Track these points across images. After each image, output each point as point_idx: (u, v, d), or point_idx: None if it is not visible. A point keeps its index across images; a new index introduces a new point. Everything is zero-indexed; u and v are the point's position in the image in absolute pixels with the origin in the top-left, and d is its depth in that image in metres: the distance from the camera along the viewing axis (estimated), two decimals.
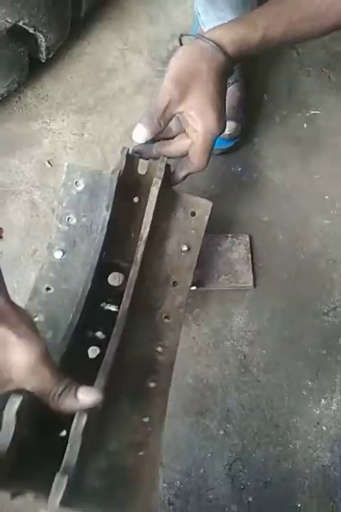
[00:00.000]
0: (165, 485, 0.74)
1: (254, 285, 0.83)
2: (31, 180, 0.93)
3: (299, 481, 0.73)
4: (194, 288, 0.79)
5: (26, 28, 0.91)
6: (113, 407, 0.53)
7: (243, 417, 0.76)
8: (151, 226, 0.64)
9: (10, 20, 0.88)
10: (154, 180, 0.65)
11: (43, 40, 0.95)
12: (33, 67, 0.99)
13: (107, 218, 0.63)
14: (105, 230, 0.63)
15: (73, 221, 0.66)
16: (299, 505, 0.71)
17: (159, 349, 0.60)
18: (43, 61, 0.99)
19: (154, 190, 0.65)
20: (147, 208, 0.65)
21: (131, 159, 0.67)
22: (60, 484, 0.39)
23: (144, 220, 0.64)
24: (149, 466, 0.50)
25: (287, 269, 0.85)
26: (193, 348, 0.80)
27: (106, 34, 1.05)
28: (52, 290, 0.61)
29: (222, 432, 0.76)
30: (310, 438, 0.75)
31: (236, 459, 0.74)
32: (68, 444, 0.42)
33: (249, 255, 0.83)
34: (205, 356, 0.80)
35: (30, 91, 1.00)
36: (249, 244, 0.84)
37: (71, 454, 0.41)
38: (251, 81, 0.99)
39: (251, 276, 0.82)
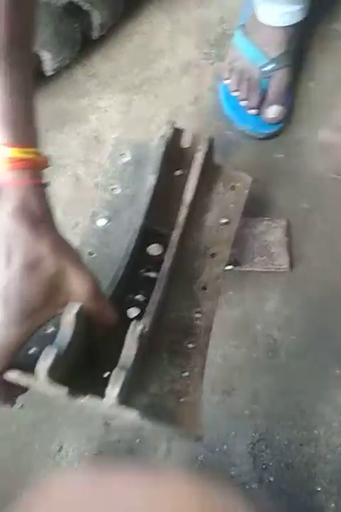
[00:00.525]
0: (188, 458, 0.76)
1: (290, 268, 0.83)
2: (77, 156, 0.96)
3: (320, 466, 0.74)
4: (230, 267, 0.81)
5: (82, 4, 0.94)
6: (153, 360, 0.56)
7: (269, 400, 0.78)
8: (193, 196, 0.66)
9: None
10: (199, 147, 0.68)
11: (98, 17, 0.97)
12: (85, 45, 1.02)
13: (153, 183, 0.66)
14: (150, 194, 0.65)
15: (117, 191, 0.69)
16: (319, 489, 0.72)
17: (197, 315, 0.63)
18: (95, 38, 1.02)
19: (198, 157, 0.67)
20: (191, 174, 0.67)
21: (177, 132, 0.70)
22: (117, 378, 0.41)
23: (187, 186, 0.66)
24: (190, 412, 0.52)
25: (323, 257, 0.85)
26: (223, 329, 0.82)
27: (157, 15, 1.06)
28: (94, 255, 0.65)
29: (247, 412, 0.77)
30: (334, 425, 0.75)
31: (259, 439, 0.76)
32: (124, 349, 0.45)
33: (286, 238, 0.83)
34: (235, 338, 0.81)
35: (80, 68, 1.03)
36: (286, 228, 0.84)
37: (126, 357, 0.44)
38: (298, 69, 0.99)
39: (288, 259, 0.82)
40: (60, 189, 0.93)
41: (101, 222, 0.67)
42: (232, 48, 0.98)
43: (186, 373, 0.57)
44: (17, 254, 0.42)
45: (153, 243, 0.67)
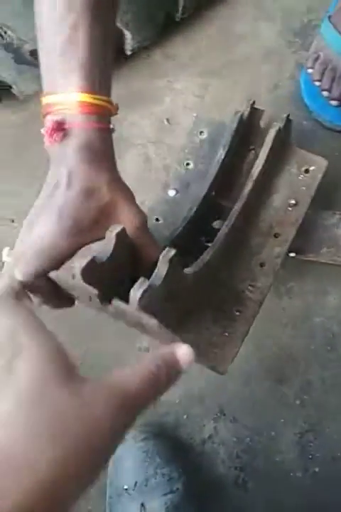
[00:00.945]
0: (235, 439, 0.93)
1: None
2: (148, 136, 1.17)
3: None
4: (293, 255, 0.97)
5: None
6: (196, 316, 0.73)
7: (322, 392, 0.93)
8: (263, 176, 0.82)
9: None
10: (273, 124, 0.84)
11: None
12: (166, 26, 1.22)
13: (222, 156, 0.83)
14: (218, 166, 0.83)
15: (191, 166, 0.88)
16: None
17: (250, 288, 0.79)
18: (177, 20, 1.22)
19: (271, 132, 0.82)
20: (262, 148, 0.82)
21: (255, 111, 0.88)
22: (142, 284, 0.51)
23: (257, 161, 0.82)
24: (218, 356, 0.69)
25: None
26: (282, 319, 0.99)
27: (242, 0, 1.26)
28: (160, 221, 0.84)
29: (298, 402, 0.94)
30: None
31: (308, 429, 0.92)
32: (155, 270, 0.55)
33: None
34: (293, 328, 0.98)
35: (158, 49, 1.24)
36: None
37: (156, 275, 0.54)
38: None
39: None
40: (129, 166, 1.14)
41: (172, 192, 0.88)
42: (318, 38, 1.15)
43: (226, 334, 0.73)
44: (77, 181, 0.56)
45: (219, 218, 0.85)
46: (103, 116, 0.59)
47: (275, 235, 0.83)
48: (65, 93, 0.56)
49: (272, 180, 0.86)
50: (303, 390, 0.94)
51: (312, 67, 1.14)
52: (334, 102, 1.11)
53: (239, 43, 1.23)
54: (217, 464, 0.92)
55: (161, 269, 0.54)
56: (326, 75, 1.12)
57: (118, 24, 1.14)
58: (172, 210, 0.86)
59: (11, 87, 1.15)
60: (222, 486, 0.91)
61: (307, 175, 0.87)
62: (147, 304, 0.52)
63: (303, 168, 0.88)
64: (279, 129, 0.83)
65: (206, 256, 0.72)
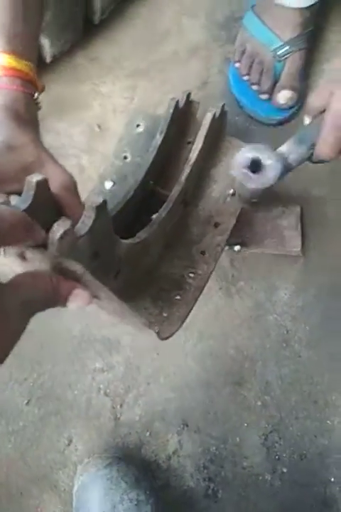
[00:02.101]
0: (200, 450, 0.87)
1: (302, 253, 0.94)
2: (79, 144, 1.08)
3: (334, 457, 0.85)
4: (238, 248, 0.92)
5: None
6: (135, 300, 0.67)
7: (281, 391, 0.89)
8: (201, 163, 0.78)
9: None
10: (209, 108, 0.79)
11: (98, 0, 1.08)
12: (86, 29, 1.13)
13: (159, 142, 0.78)
14: (154, 153, 0.77)
15: (128, 158, 0.82)
16: (332, 479, 0.84)
17: (190, 274, 0.74)
18: (96, 22, 1.13)
19: (208, 116, 0.78)
20: (198, 133, 0.78)
21: (191, 101, 0.83)
22: (63, 223, 0.42)
23: (194, 146, 0.78)
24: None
25: (336, 246, 0.96)
26: (235, 320, 0.93)
27: None
28: None
29: (259, 404, 0.89)
30: None
31: (272, 430, 0.87)
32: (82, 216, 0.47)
33: (299, 224, 0.94)
34: (247, 329, 0.93)
35: (80, 52, 1.15)
36: (299, 214, 0.95)
37: (83, 224, 0.46)
38: (312, 50, 1.10)
39: (300, 243, 0.93)
40: None
41: (108, 185, 0.81)
42: (243, 30, 1.09)
43: (165, 314, 0.67)
44: (1, 135, 0.52)
45: (156, 206, 0.79)
46: (27, 81, 0.57)
47: (215, 225, 0.79)
48: None
49: (210, 171, 0.83)
50: (263, 391, 0.89)
51: (239, 61, 1.08)
52: (264, 96, 1.06)
53: (164, 40, 1.15)
54: (186, 478, 0.86)
55: (88, 216, 0.46)
56: (253, 68, 1.06)
57: None
58: (109, 202, 0.79)
59: None
60: (192, 500, 0.85)
61: None
62: (70, 250, 0.43)
63: None
64: (214, 115, 0.79)
65: (142, 234, 0.67)
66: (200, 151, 0.78)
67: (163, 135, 0.79)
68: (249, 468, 0.85)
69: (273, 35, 1.04)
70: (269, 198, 0.97)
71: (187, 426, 0.88)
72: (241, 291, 0.95)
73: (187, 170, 0.76)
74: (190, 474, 0.86)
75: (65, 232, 0.42)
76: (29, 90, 0.57)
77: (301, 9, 1.01)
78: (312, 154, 0.68)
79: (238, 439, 0.87)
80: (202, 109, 0.84)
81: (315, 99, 0.67)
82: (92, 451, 0.89)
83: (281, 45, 1.03)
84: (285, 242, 0.93)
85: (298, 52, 1.05)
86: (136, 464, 0.86)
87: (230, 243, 0.93)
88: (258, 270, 0.95)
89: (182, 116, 0.83)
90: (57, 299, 0.43)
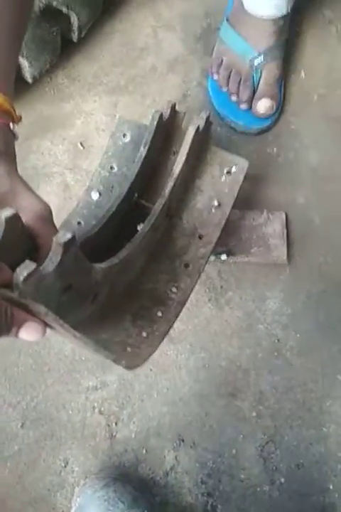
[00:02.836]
0: (197, 465, 0.82)
1: (288, 261, 0.89)
2: (63, 163, 1.02)
3: (331, 465, 0.80)
4: (224, 258, 0.87)
5: (59, 7, 0.99)
6: (114, 318, 0.61)
7: (276, 400, 0.84)
8: (185, 176, 0.73)
9: (43, 1, 0.96)
10: (194, 120, 0.75)
11: (76, 19, 1.03)
12: (65, 47, 1.07)
13: (143, 154, 0.73)
14: (139, 164, 0.72)
15: (115, 169, 0.77)
16: (331, 487, 0.79)
17: (173, 289, 0.69)
18: (75, 41, 1.07)
19: (191, 130, 0.73)
20: (182, 146, 0.73)
21: (176, 112, 0.78)
22: (27, 266, 0.39)
23: (178, 158, 0.73)
24: (130, 356, 0.57)
25: (323, 252, 0.92)
26: (226, 331, 0.88)
27: (139, 12, 1.13)
28: (82, 224, 0.73)
29: (254, 414, 0.84)
30: None
31: (268, 440, 0.82)
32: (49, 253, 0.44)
33: (285, 230, 0.89)
34: (238, 339, 0.88)
35: (61, 71, 1.09)
36: (284, 221, 0.90)
37: (50, 261, 0.43)
38: (288, 58, 1.06)
39: (285, 251, 0.88)
40: (47, 198, 0.96)
41: (95, 195, 0.76)
42: (219, 42, 1.04)
43: (144, 334, 0.62)
44: None
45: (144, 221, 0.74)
46: (2, 112, 0.53)
47: (200, 237, 0.75)
48: None
49: (194, 182, 0.78)
50: (257, 401, 0.84)
51: (217, 73, 1.04)
52: (243, 106, 1.01)
53: (142, 55, 1.10)
54: (184, 494, 0.81)
55: (55, 253, 0.43)
56: (231, 79, 1.02)
57: None
58: (95, 214, 0.74)
59: None
60: None
61: (229, 176, 0.79)
62: (35, 291, 0.41)
63: (225, 170, 0.80)
64: (198, 128, 0.74)
65: (122, 253, 0.62)
66: (184, 165, 0.73)
67: (147, 147, 0.74)
68: (247, 481, 0.80)
69: (248, 46, 1.00)
70: (254, 204, 0.92)
71: (183, 441, 0.83)
72: (231, 302, 0.90)
73: (170, 183, 0.72)
74: (188, 490, 0.81)
75: (29, 274, 0.39)
76: (5, 121, 0.53)
77: (274, 19, 0.97)
78: None
79: (234, 451, 0.82)
80: (187, 119, 0.80)
81: None
82: (89, 472, 0.83)
83: (257, 56, 0.99)
84: (271, 250, 0.88)
85: (274, 61, 1.00)
86: (133, 483, 0.81)
87: (217, 252, 0.88)
88: (246, 280, 0.91)
89: (167, 127, 0.78)
90: (8, 330, 0.40)
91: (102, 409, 0.86)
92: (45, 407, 0.87)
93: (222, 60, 1.03)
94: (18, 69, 1.00)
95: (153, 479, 0.82)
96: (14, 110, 0.56)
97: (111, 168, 0.79)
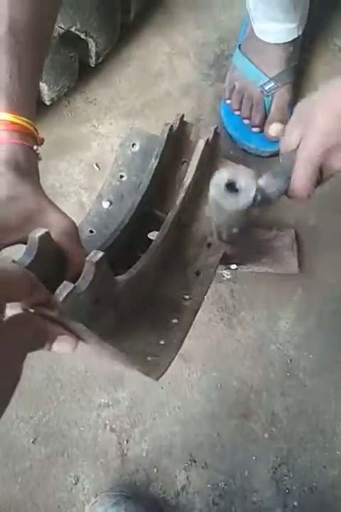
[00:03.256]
0: (209, 485, 0.79)
1: (299, 270, 0.87)
2: (80, 183, 1.00)
3: None
4: (234, 267, 0.84)
5: (78, 33, 0.99)
6: (133, 327, 0.59)
7: (288, 422, 0.81)
8: (195, 186, 0.72)
9: (63, 27, 0.96)
10: (201, 134, 0.75)
11: (94, 45, 1.03)
12: (83, 72, 1.07)
13: (154, 165, 0.72)
14: (150, 176, 0.71)
15: (124, 178, 0.76)
16: None
17: (185, 296, 0.67)
18: (93, 66, 1.07)
19: (200, 143, 0.72)
20: (192, 157, 0.73)
21: (185, 123, 0.77)
22: (65, 287, 0.41)
23: (188, 170, 0.72)
24: (151, 366, 0.55)
25: (334, 273, 0.89)
26: (238, 351, 0.85)
27: (155, 39, 1.12)
28: (94, 232, 0.71)
29: (266, 436, 0.80)
30: None
31: (281, 463, 0.79)
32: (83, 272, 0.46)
33: (294, 244, 0.87)
34: (251, 359, 0.85)
35: (79, 95, 1.08)
36: (294, 237, 0.88)
37: (83, 280, 0.45)
38: (299, 83, 1.05)
39: (296, 263, 0.86)
40: None
41: (106, 204, 0.75)
42: (232, 68, 1.04)
43: (162, 342, 0.60)
44: (3, 189, 0.49)
45: (155, 229, 0.73)
46: (25, 135, 0.54)
47: (209, 245, 0.73)
48: None
49: (204, 192, 0.76)
50: (270, 422, 0.81)
51: (229, 98, 1.03)
52: (255, 129, 1.00)
53: (157, 81, 1.09)
54: None
55: (88, 272, 0.45)
56: (244, 104, 1.01)
57: None
58: (106, 222, 0.73)
59: None
60: None
61: None
62: (72, 309, 0.42)
63: None
64: (207, 140, 0.73)
65: (139, 264, 0.62)
66: (194, 176, 0.73)
67: (158, 159, 0.73)
68: (260, 503, 0.77)
69: (259, 72, 1.00)
70: (264, 224, 0.90)
71: (194, 461, 0.80)
72: (243, 322, 0.87)
73: (181, 195, 0.71)
74: (200, 510, 0.78)
75: (68, 295, 0.40)
76: (28, 143, 0.54)
77: (284, 44, 0.97)
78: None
79: (247, 472, 0.78)
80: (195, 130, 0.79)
81: (286, 139, 0.59)
82: (100, 489, 0.80)
83: (268, 81, 0.99)
84: (282, 260, 0.86)
85: (285, 86, 1.00)
86: (144, 502, 0.78)
87: (227, 262, 0.85)
88: (258, 300, 0.88)
89: (177, 139, 0.77)
90: (44, 343, 0.41)
91: (114, 426, 0.83)
92: (56, 424, 0.84)
93: (234, 86, 1.02)
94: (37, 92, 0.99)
95: (164, 499, 0.79)
96: (37, 132, 0.57)
97: (121, 176, 0.77)
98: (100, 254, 0.45)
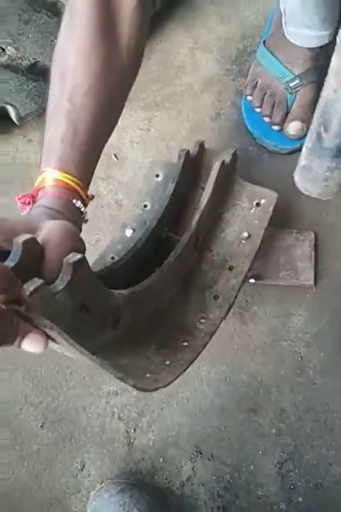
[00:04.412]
0: (214, 478, 0.80)
1: (315, 283, 0.87)
2: (97, 173, 1.01)
3: None
4: (253, 281, 0.85)
5: None
6: (138, 347, 0.60)
7: (296, 418, 0.81)
8: (212, 209, 0.74)
9: None
10: (219, 158, 0.76)
11: None
12: None
13: (171, 190, 0.74)
14: (167, 200, 0.74)
15: (148, 207, 0.78)
16: None
17: (201, 320, 0.68)
18: None
19: (216, 165, 0.74)
20: (208, 180, 0.74)
21: (204, 149, 0.79)
22: (33, 282, 0.41)
23: (204, 192, 0.74)
24: (147, 381, 0.55)
25: None
26: (249, 346, 0.86)
27: (178, 33, 1.14)
28: (115, 259, 0.73)
29: (274, 431, 0.81)
30: None
31: (287, 458, 0.79)
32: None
33: (313, 253, 0.87)
34: (261, 355, 0.85)
35: None
36: (313, 242, 0.88)
37: (60, 280, 0.45)
38: (323, 81, 1.04)
39: (313, 275, 0.86)
40: None
41: (129, 232, 0.77)
42: (255, 64, 1.04)
43: (168, 362, 0.60)
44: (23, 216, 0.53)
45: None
46: (67, 190, 0.57)
47: (230, 268, 0.75)
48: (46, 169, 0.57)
49: (223, 215, 0.79)
50: (278, 418, 0.82)
51: (251, 94, 1.03)
52: (275, 127, 1.00)
53: (179, 74, 1.10)
54: (199, 507, 0.78)
55: (65, 272, 0.45)
56: (266, 101, 1.01)
57: None
58: (128, 248, 0.74)
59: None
60: None
61: (258, 208, 0.80)
62: (44, 306, 0.42)
63: (255, 202, 0.81)
64: (223, 162, 0.75)
65: (146, 281, 0.62)
66: (210, 198, 0.74)
67: (174, 184, 0.76)
68: (264, 498, 0.77)
69: (284, 69, 0.99)
70: (283, 224, 0.90)
71: (200, 453, 0.81)
72: (255, 317, 0.87)
73: (197, 216, 0.72)
74: (204, 502, 0.78)
75: (36, 289, 0.40)
76: (68, 196, 0.57)
77: (313, 48, 0.96)
78: None
79: (252, 467, 0.79)
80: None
81: None
82: (105, 476, 0.82)
83: (292, 78, 0.99)
84: (299, 274, 0.87)
85: (310, 85, 0.99)
86: (149, 491, 0.79)
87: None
88: (271, 296, 0.89)
89: (196, 164, 0.80)
90: (13, 338, 0.41)
91: (122, 415, 0.84)
92: (65, 409, 0.86)
93: (257, 82, 1.02)
94: None
95: (169, 489, 0.80)
96: (85, 191, 0.59)
97: (145, 206, 0.80)
98: (78, 255, 0.45)
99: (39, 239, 0.46)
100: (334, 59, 0.46)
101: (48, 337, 0.43)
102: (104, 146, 0.66)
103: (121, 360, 0.57)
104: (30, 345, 0.42)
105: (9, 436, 0.85)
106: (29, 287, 0.40)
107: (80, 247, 0.50)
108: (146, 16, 0.65)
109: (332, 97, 0.50)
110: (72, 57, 0.60)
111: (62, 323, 0.43)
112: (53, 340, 0.44)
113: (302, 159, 0.58)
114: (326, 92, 0.51)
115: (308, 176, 0.60)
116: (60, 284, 0.44)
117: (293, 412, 0.81)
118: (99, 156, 0.65)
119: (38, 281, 0.41)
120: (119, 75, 0.63)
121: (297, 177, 0.60)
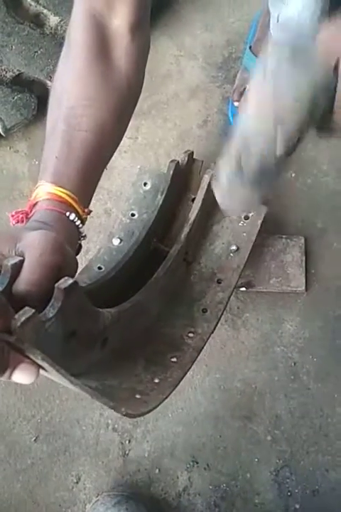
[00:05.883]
0: (211, 487, 0.79)
1: (306, 289, 0.86)
2: None
3: None
4: (243, 289, 0.84)
5: None
6: (125, 364, 0.58)
7: (291, 424, 0.81)
8: (201, 221, 0.73)
9: None
10: (207, 170, 0.75)
11: None
12: None
13: (160, 201, 0.73)
14: (156, 212, 0.72)
15: (135, 216, 0.77)
16: None
17: (190, 334, 0.67)
18: None
19: (206, 178, 0.73)
20: (198, 193, 0.74)
21: (193, 160, 0.78)
22: (25, 312, 0.39)
23: (193, 205, 0.73)
24: (136, 403, 0.53)
25: (340, 276, 0.89)
26: (242, 353, 0.85)
27: (162, 41, 1.13)
28: (103, 269, 0.71)
29: (269, 438, 0.80)
30: None
31: (283, 465, 0.78)
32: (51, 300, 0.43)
33: (303, 258, 0.87)
34: (254, 361, 0.85)
35: None
36: (303, 247, 0.88)
37: (51, 307, 0.43)
38: None
39: (304, 281, 0.86)
40: None
41: (116, 241, 0.76)
42: (242, 70, 1.04)
43: (157, 380, 0.59)
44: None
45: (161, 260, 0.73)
46: (60, 203, 0.55)
47: (219, 281, 0.74)
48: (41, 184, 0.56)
49: (212, 228, 0.79)
50: (273, 425, 0.81)
51: (238, 100, 1.02)
52: None
53: (165, 82, 1.09)
54: None
55: (56, 298, 0.42)
56: None
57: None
58: (115, 259, 0.73)
59: None
60: None
61: (247, 221, 0.80)
62: (35, 337, 0.39)
63: (243, 215, 0.80)
64: (212, 175, 0.74)
65: (135, 298, 0.60)
66: (199, 211, 0.74)
67: (164, 195, 0.75)
68: (261, 506, 0.77)
69: None
70: (272, 230, 0.90)
71: (196, 462, 0.80)
72: (247, 324, 0.87)
73: (186, 229, 0.72)
74: None
75: (27, 319, 0.38)
76: (62, 210, 0.55)
77: None
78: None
79: (249, 475, 0.78)
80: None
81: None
82: (101, 489, 0.80)
83: None
84: (290, 280, 0.86)
85: None
86: (145, 502, 0.78)
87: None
88: (263, 302, 0.88)
89: (185, 175, 0.79)
90: (4, 370, 0.39)
91: (116, 426, 0.83)
92: (59, 422, 0.84)
93: (245, 88, 1.02)
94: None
95: (166, 500, 0.79)
96: (80, 205, 0.57)
97: (132, 215, 0.79)
98: (70, 280, 0.42)
99: (18, 247, 0.45)
100: None
101: (39, 365, 0.41)
102: (104, 166, 0.65)
103: (110, 381, 0.55)
104: (22, 376, 0.40)
105: (3, 450, 0.83)
106: (20, 318, 0.38)
107: (66, 260, 0.47)
108: (143, 44, 0.66)
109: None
110: (68, 81, 0.60)
111: (53, 352, 0.41)
112: (44, 368, 0.42)
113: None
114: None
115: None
116: (50, 312, 0.42)
117: (287, 418, 0.81)
118: (99, 175, 0.64)
119: (29, 311, 0.38)
120: (117, 99, 0.62)
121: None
